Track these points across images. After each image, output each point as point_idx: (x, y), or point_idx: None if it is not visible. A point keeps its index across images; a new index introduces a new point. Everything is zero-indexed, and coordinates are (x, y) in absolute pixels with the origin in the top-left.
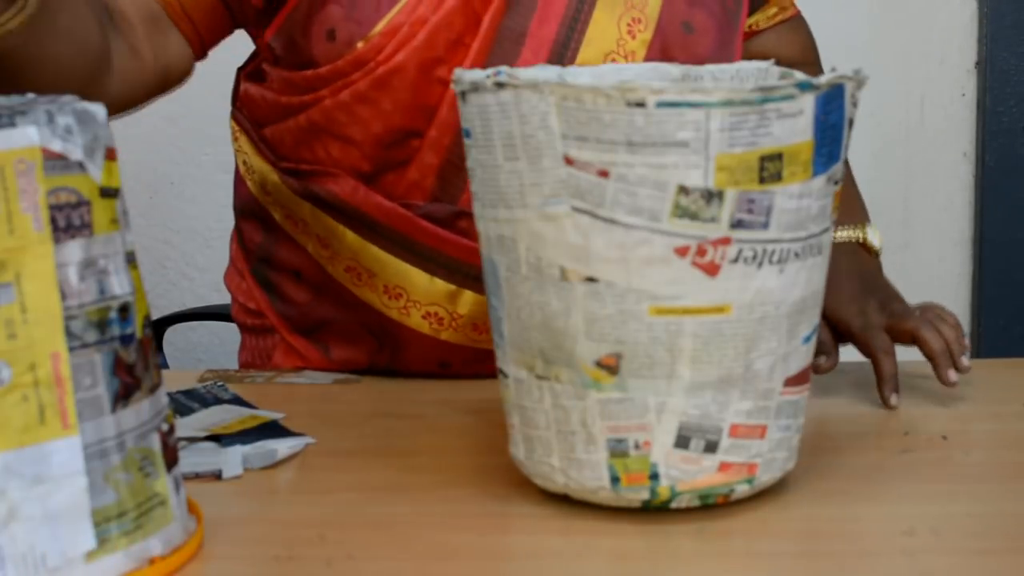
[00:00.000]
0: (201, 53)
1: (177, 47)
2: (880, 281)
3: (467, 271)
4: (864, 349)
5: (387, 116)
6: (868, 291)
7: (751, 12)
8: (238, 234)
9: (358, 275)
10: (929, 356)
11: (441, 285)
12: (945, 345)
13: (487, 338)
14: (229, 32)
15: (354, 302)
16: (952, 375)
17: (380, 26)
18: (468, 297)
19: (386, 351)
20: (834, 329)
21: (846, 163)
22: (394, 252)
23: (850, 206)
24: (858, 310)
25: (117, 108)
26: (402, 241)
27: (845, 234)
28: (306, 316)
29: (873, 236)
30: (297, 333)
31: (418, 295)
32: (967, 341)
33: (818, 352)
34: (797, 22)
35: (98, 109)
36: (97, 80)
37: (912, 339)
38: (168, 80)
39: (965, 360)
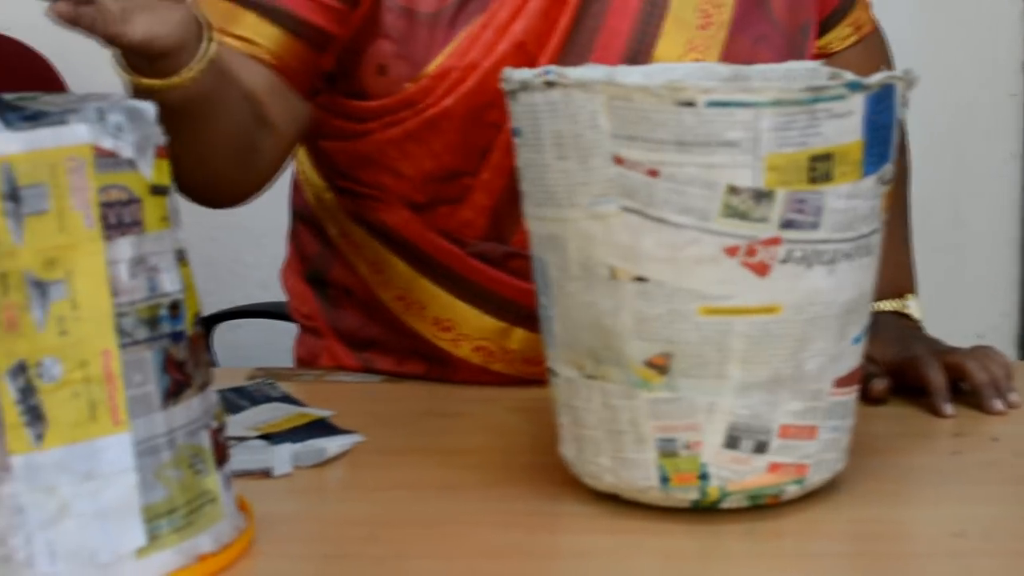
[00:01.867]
0: (312, 99)
1: (299, 106)
2: (923, 334)
3: (518, 310)
4: (912, 372)
5: (437, 155)
6: (912, 338)
7: (825, 31)
8: (295, 237)
9: (408, 305)
10: (975, 387)
11: (491, 322)
12: (991, 379)
13: (539, 370)
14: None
15: (403, 328)
16: (998, 404)
17: (430, 68)
18: (519, 334)
19: (435, 371)
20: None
21: (906, 224)
22: (445, 287)
23: (900, 273)
24: (902, 348)
25: (261, 183)
26: (453, 277)
27: (888, 305)
28: (355, 333)
29: (914, 309)
30: (345, 345)
31: (468, 329)
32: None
33: (870, 376)
34: (872, 41)
35: (148, 107)
36: (246, 160)
37: (958, 372)
38: (299, 138)
39: (1014, 396)
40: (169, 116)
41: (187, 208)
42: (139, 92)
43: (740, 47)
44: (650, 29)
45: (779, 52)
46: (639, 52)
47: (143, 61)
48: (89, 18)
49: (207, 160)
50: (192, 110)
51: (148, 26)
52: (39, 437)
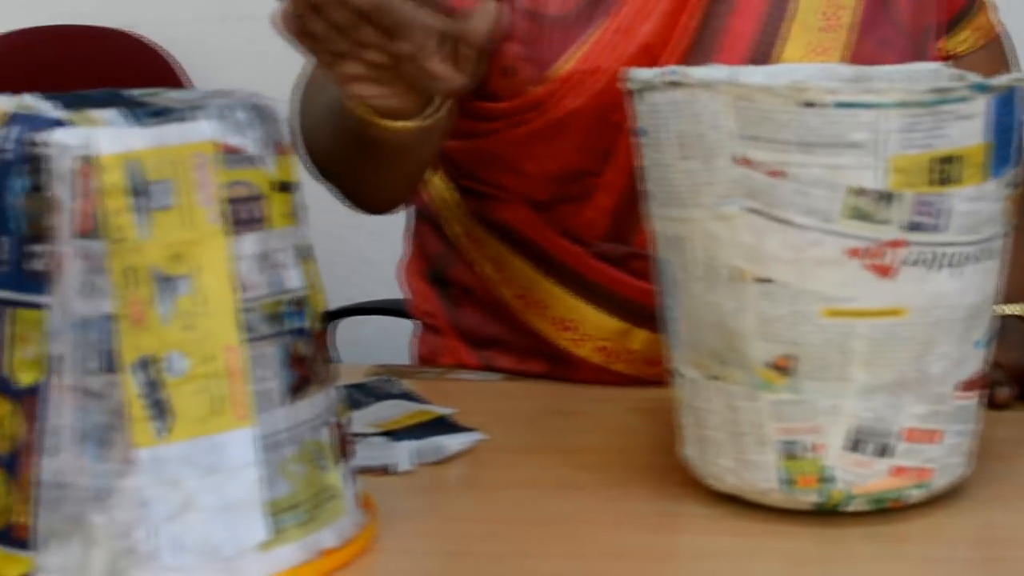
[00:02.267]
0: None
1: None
2: None
3: (639, 310)
4: None
5: (562, 155)
6: None
7: (948, 34)
8: (416, 236)
9: (529, 304)
10: None
11: (613, 322)
12: None
13: (660, 371)
14: None
15: (524, 328)
16: None
17: (556, 71)
18: (641, 334)
19: (556, 371)
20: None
21: None
22: (566, 287)
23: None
24: None
25: (417, 186)
26: (575, 277)
27: (1014, 309)
28: (476, 332)
29: None
30: (466, 343)
31: (590, 329)
32: None
33: (996, 383)
34: (996, 46)
35: (273, 104)
36: (415, 174)
37: None
38: (447, 139)
39: None
40: (380, 151)
41: (311, 206)
42: (358, 124)
43: (864, 49)
44: (774, 31)
45: (903, 55)
46: (762, 54)
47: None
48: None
49: (393, 186)
50: (405, 151)
51: (396, 102)
52: (164, 431)
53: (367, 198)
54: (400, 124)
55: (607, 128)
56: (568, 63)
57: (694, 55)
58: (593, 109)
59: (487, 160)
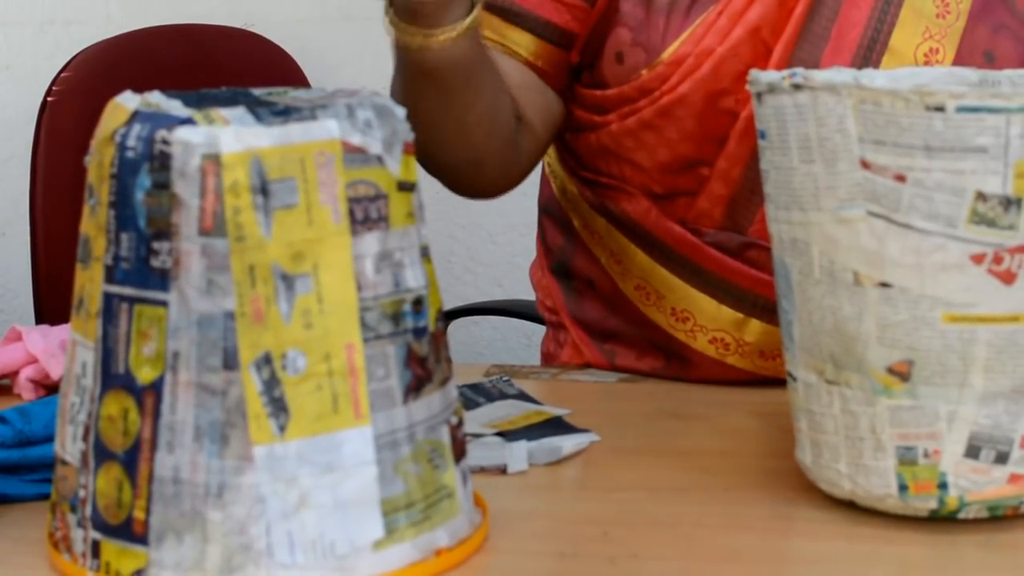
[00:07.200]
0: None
1: (554, 105)
2: None
3: (755, 301)
4: None
5: (673, 145)
6: None
7: None
8: (541, 231)
9: (647, 295)
10: None
11: (728, 313)
12: None
13: (774, 365)
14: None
15: (642, 319)
16: None
17: (665, 54)
18: (755, 326)
19: (673, 366)
20: None
21: None
22: (682, 277)
23: None
24: None
25: (516, 179)
26: (691, 267)
27: None
28: (596, 325)
29: None
30: (587, 336)
31: (705, 320)
32: None
33: None
34: None
35: (397, 104)
36: (506, 150)
37: None
38: (552, 137)
39: None
40: (425, 79)
41: (428, 206)
42: (401, 51)
43: (979, 36)
44: (887, 18)
45: (1019, 41)
46: (875, 41)
47: (409, 14)
48: None
49: (465, 135)
50: (449, 78)
51: None
52: (281, 428)
53: (457, 159)
54: (427, 37)
55: (718, 115)
56: (676, 46)
57: (804, 41)
58: (703, 94)
59: (602, 152)
